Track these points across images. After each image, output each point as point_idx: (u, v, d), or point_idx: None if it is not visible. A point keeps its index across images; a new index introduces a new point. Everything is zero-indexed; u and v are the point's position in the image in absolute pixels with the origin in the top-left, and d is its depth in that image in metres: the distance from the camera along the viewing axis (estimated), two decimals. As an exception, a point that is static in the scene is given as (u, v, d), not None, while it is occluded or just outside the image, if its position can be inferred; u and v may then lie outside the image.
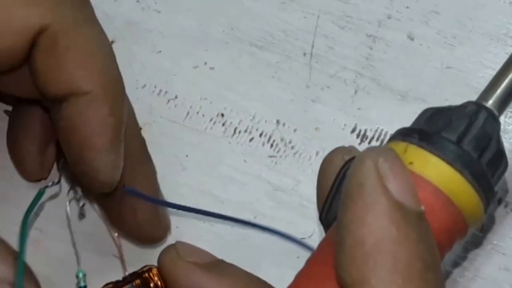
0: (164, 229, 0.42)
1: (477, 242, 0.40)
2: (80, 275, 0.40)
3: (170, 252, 0.36)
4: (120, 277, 0.39)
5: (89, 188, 0.39)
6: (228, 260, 0.36)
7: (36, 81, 0.37)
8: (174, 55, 0.46)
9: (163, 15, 0.47)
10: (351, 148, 0.34)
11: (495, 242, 0.40)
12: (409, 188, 0.28)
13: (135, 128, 0.42)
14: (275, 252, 0.42)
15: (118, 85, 0.38)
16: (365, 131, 0.43)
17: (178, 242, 0.37)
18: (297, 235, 0.42)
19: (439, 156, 0.29)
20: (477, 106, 0.31)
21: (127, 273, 0.39)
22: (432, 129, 0.30)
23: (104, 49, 0.38)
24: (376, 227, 0.27)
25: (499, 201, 0.41)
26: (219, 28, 0.46)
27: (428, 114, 0.31)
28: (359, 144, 0.43)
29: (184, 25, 0.46)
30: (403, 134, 0.31)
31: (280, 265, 0.41)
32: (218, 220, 0.42)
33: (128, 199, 0.40)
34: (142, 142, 0.42)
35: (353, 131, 0.43)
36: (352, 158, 0.30)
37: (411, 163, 0.29)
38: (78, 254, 0.41)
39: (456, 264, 0.40)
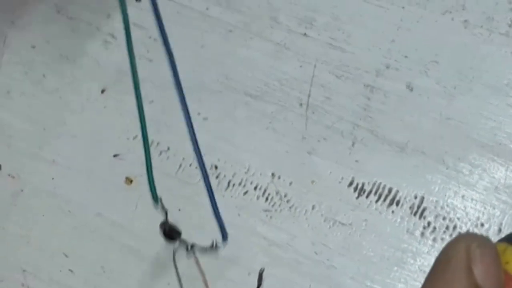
0: None
1: None
2: None
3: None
4: None
5: None
6: None
7: None
8: (167, 105, 0.45)
9: (155, 64, 0.45)
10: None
11: None
12: (495, 278, 0.27)
13: None
14: None
15: None
16: (363, 184, 0.42)
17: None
18: (293, 292, 0.40)
19: None
20: None
21: None
22: None
23: None
24: None
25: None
26: (213, 77, 0.45)
27: None
28: (357, 198, 0.42)
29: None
30: (508, 239, 0.30)
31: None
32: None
33: None
34: None
35: (350, 184, 0.42)
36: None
37: (507, 262, 0.29)
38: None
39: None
